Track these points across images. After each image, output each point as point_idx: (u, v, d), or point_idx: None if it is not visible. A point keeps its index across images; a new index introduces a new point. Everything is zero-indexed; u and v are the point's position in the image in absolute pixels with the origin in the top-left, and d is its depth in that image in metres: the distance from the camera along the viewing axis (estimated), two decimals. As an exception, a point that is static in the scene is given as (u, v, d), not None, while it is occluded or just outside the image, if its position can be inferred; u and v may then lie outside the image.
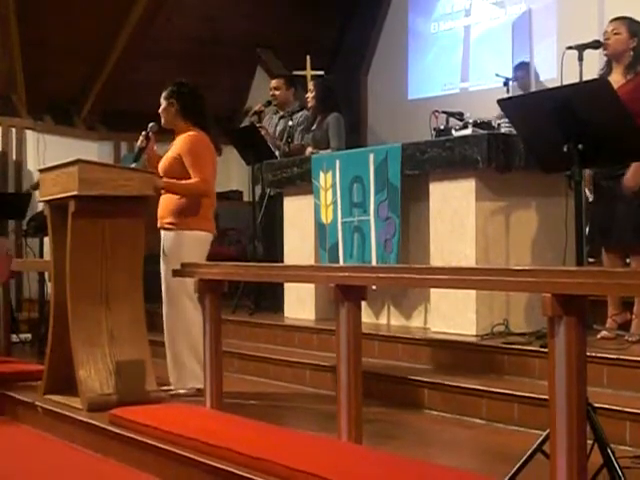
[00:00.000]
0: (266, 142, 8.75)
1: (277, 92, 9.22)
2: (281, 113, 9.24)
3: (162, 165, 6.35)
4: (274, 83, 9.35)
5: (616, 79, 5.52)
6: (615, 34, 5.80)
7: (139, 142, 6.42)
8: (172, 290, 6.22)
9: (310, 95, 8.70)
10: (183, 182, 6.24)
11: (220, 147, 7.03)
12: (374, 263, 6.89)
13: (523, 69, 8.64)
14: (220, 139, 6.86)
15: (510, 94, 7.97)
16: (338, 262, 7.26)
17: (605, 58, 5.94)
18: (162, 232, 6.37)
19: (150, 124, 6.41)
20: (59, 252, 5.66)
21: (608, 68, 5.91)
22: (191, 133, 6.37)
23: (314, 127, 8.67)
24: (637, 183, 5.65)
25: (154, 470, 4.55)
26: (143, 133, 6.41)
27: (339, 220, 7.32)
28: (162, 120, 6.46)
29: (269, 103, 9.33)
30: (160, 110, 6.46)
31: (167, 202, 6.33)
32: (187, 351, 6.22)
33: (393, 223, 6.82)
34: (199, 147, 6.33)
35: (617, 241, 5.84)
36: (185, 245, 6.23)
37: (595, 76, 5.66)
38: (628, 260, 5.98)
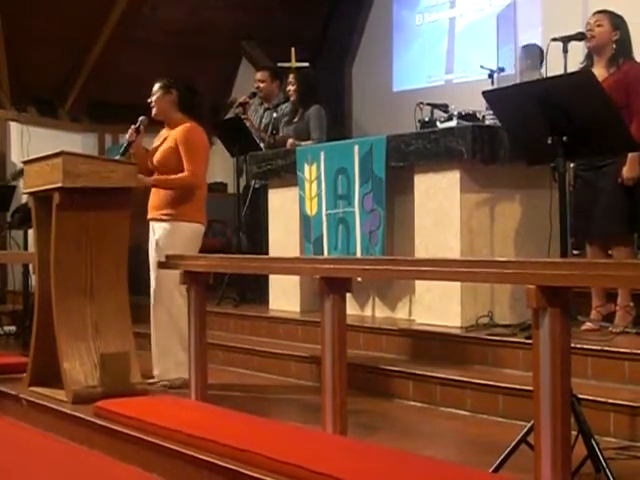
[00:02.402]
0: (251, 134, 8.75)
1: (262, 84, 9.22)
2: (266, 105, 9.24)
3: (158, 157, 6.33)
4: (259, 75, 9.35)
5: (598, 72, 5.52)
6: (598, 26, 5.82)
7: (128, 135, 6.33)
8: (163, 282, 6.20)
9: (292, 88, 8.69)
10: (172, 177, 6.25)
11: (212, 140, 7.05)
12: (359, 255, 6.89)
13: (524, 50, 8.62)
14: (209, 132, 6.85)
15: (495, 86, 7.98)
16: (323, 254, 7.25)
17: (587, 51, 5.95)
18: (154, 223, 6.35)
19: (140, 118, 6.33)
20: (43, 244, 5.64)
21: (589, 61, 5.93)
22: (190, 124, 6.34)
23: (296, 119, 8.67)
24: (635, 174, 5.68)
25: (139, 462, 4.54)
26: (133, 127, 6.33)
27: (324, 212, 7.32)
28: (154, 110, 6.39)
29: (254, 95, 9.32)
30: (154, 99, 6.38)
31: (161, 193, 6.31)
32: (177, 342, 6.20)
33: (378, 215, 6.82)
34: (197, 139, 6.33)
35: (599, 233, 5.86)
36: (180, 236, 6.24)
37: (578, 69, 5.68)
38: (610, 252, 6.01)
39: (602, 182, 5.80)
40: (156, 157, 6.34)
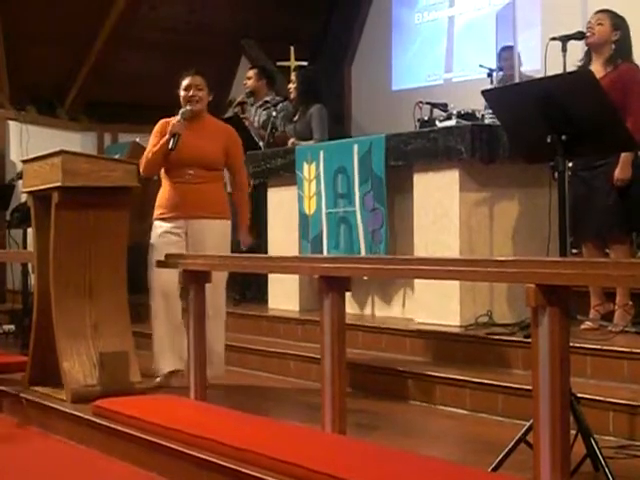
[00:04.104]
0: (250, 133, 8.75)
1: (248, 81, 9.33)
2: (257, 104, 9.27)
3: (209, 155, 6.30)
4: (249, 72, 9.49)
5: (595, 70, 5.51)
6: (599, 24, 5.82)
7: (178, 127, 6.18)
8: (218, 280, 6.17)
9: (292, 86, 8.69)
10: (246, 203, 6.62)
11: None
12: (364, 254, 6.89)
13: (509, 51, 8.72)
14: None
15: (494, 85, 7.99)
16: (321, 253, 7.25)
17: (586, 49, 5.95)
18: (208, 221, 6.28)
19: (182, 110, 6.27)
20: (42, 243, 5.64)
21: (587, 59, 5.92)
22: (231, 127, 6.58)
23: (296, 118, 8.65)
24: (627, 175, 5.69)
25: (138, 461, 4.55)
26: (179, 120, 6.21)
27: (323, 211, 7.31)
28: (198, 104, 6.32)
29: (251, 94, 9.37)
30: (203, 94, 6.34)
31: (216, 191, 6.37)
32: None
33: (380, 214, 6.81)
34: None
35: (595, 232, 5.86)
36: (229, 233, 6.40)
37: (575, 67, 5.68)
38: (607, 251, 6.01)
39: (597, 181, 5.80)
40: (207, 154, 6.29)
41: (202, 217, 6.26)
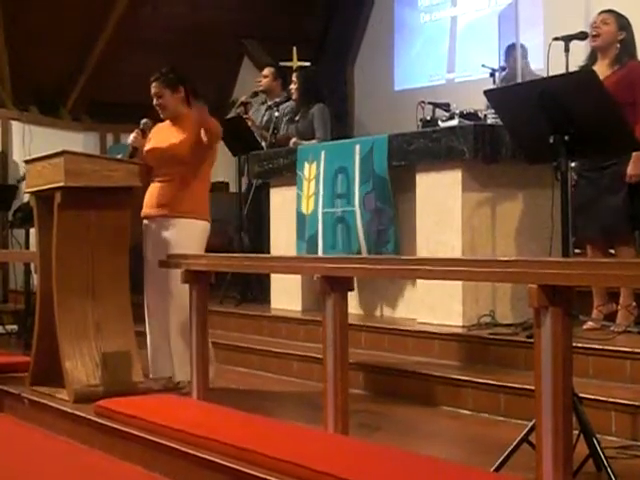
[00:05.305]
0: (253, 133, 8.76)
1: (264, 79, 9.30)
2: (268, 103, 9.26)
3: (170, 150, 5.98)
4: (265, 71, 9.46)
5: (601, 70, 5.51)
6: (605, 24, 5.81)
7: (133, 140, 6.05)
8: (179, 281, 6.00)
9: (293, 87, 8.68)
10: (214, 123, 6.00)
11: None
12: (364, 254, 6.87)
13: (515, 49, 8.74)
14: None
15: (496, 85, 7.99)
16: (317, 252, 7.23)
17: (590, 50, 5.95)
18: (166, 220, 6.00)
19: (143, 121, 6.11)
20: (45, 243, 5.65)
21: (591, 60, 5.92)
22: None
23: (298, 118, 8.65)
24: (639, 171, 5.70)
25: (140, 461, 4.55)
26: (138, 132, 6.07)
27: (320, 211, 7.29)
28: (165, 111, 6.10)
29: (255, 94, 9.38)
30: (164, 100, 6.06)
31: (173, 190, 5.99)
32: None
33: (387, 214, 6.78)
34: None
35: (601, 232, 5.86)
36: (198, 234, 6.01)
37: (579, 67, 5.68)
38: (612, 251, 6.01)
39: (606, 181, 5.80)
40: (170, 148, 5.98)
41: (165, 216, 6.00)
